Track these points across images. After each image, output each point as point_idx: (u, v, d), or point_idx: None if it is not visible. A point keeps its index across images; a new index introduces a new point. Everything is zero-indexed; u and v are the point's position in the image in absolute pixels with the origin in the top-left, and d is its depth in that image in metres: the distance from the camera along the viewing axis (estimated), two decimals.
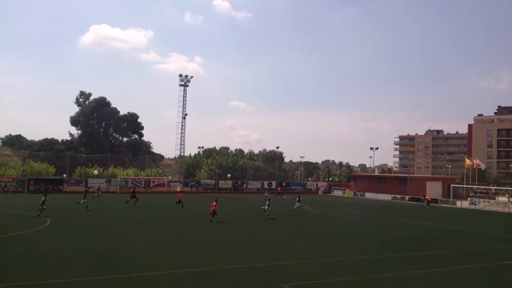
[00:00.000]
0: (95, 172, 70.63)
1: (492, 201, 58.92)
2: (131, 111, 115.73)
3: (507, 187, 72.00)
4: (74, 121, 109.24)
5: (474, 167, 68.06)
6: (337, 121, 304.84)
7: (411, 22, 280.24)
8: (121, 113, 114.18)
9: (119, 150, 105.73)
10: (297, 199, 43.07)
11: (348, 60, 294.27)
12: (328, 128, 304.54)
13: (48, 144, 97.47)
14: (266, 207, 37.04)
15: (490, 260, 21.32)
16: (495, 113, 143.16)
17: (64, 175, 68.07)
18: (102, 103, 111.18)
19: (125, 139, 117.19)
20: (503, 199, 61.27)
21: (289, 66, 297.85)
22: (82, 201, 40.23)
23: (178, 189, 42.27)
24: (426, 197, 58.34)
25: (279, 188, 69.76)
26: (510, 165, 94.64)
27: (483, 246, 25.82)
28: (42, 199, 33.21)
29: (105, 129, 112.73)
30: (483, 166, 77.31)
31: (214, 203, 32.54)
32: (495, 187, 71.77)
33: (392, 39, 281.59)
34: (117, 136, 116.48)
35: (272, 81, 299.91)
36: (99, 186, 57.74)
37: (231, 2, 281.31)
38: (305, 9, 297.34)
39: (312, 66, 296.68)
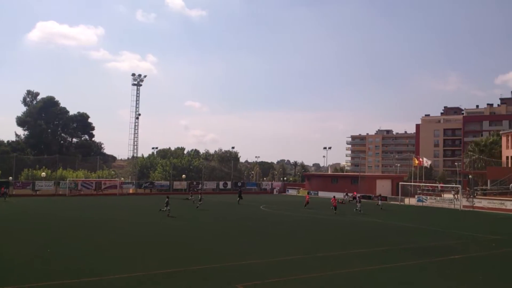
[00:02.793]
0: (43, 174, 68.20)
1: (438, 198, 61.24)
2: (82, 111, 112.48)
3: (453, 184, 75.03)
4: (21, 122, 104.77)
5: (421, 165, 70.59)
6: (293, 121, 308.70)
7: (360, 23, 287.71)
8: (71, 113, 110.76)
9: (69, 151, 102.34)
10: (358, 201, 47.15)
11: (303, 60, 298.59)
12: (283, 128, 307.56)
13: None
14: (358, 205, 45.16)
15: (439, 255, 22.13)
16: (441, 113, 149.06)
17: (10, 177, 65.18)
18: (51, 102, 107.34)
19: (74, 140, 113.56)
20: (449, 196, 63.79)
21: (244, 66, 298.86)
22: (199, 202, 44.35)
23: (307, 196, 45.61)
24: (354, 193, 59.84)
25: (354, 192, 61.94)
26: (456, 164, 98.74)
27: (431, 241, 26.78)
28: (166, 200, 36.63)
29: (53, 130, 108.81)
30: (428, 163, 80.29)
31: (332, 199, 43.92)
32: (441, 185, 74.62)
33: (343, 41, 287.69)
34: (66, 136, 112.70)
35: (227, 81, 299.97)
36: (199, 190, 50.87)
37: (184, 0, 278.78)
38: (259, 8, 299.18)
39: (266, 66, 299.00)
